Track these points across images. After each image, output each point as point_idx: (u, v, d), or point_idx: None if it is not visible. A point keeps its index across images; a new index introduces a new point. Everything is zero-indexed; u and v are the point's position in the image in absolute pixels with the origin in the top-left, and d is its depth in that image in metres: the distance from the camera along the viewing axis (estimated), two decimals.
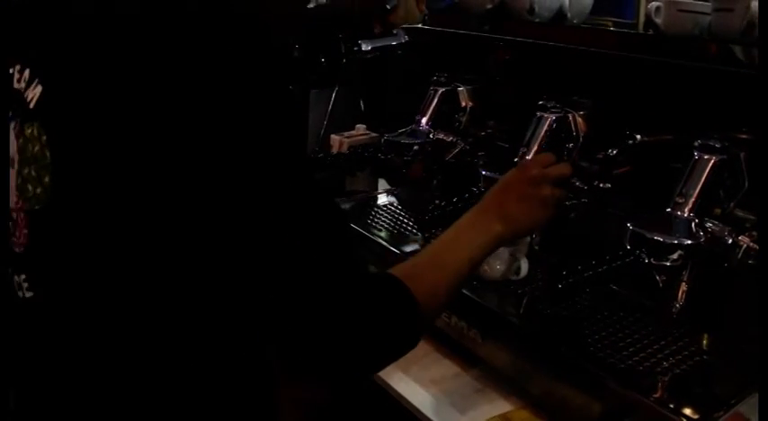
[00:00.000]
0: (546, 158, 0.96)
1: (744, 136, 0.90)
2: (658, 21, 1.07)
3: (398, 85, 1.57)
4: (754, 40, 0.91)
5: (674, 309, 0.97)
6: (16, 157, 0.68)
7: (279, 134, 0.63)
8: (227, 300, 0.64)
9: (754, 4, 0.92)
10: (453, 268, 0.78)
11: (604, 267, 0.87)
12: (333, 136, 1.64)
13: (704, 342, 0.96)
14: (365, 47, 1.42)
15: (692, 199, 0.88)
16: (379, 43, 1.45)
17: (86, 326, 0.65)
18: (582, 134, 1.10)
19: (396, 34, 1.48)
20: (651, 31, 1.09)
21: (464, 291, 1.08)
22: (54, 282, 0.67)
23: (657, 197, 0.92)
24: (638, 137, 0.99)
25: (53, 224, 0.66)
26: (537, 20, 1.27)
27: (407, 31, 1.47)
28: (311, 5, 1.74)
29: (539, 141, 1.08)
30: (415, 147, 1.28)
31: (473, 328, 1.05)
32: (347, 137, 1.64)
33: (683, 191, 0.88)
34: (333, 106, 1.65)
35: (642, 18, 1.25)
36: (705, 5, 1.03)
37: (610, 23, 1.33)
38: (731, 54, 0.95)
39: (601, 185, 0.99)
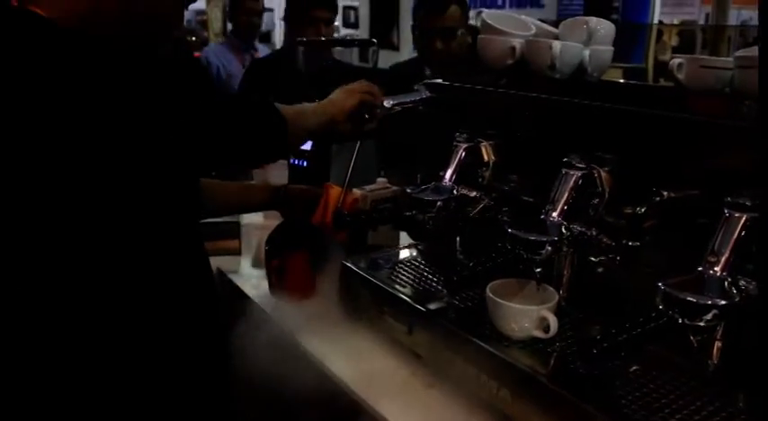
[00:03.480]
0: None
1: None
2: (680, 76, 1.08)
3: (421, 140, 1.58)
4: None
5: (709, 369, 0.95)
6: None
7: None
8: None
9: None
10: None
11: (638, 330, 0.86)
12: (355, 190, 1.65)
13: (741, 402, 0.94)
14: (387, 103, 1.43)
15: (725, 257, 0.87)
16: (402, 99, 1.46)
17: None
18: (607, 190, 1.09)
19: (417, 90, 1.50)
20: (662, 81, 1.10)
21: (493, 351, 1.07)
22: None
23: (686, 252, 0.91)
24: (665, 193, 0.99)
25: None
26: (557, 75, 1.28)
27: (429, 87, 1.49)
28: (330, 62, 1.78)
29: (565, 198, 1.08)
30: (439, 204, 1.28)
31: (503, 388, 1.04)
32: (369, 191, 1.64)
33: (715, 249, 0.87)
34: (355, 160, 1.66)
35: (651, 61, 1.27)
36: (728, 61, 1.03)
37: (620, 69, 1.34)
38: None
39: (630, 244, 0.98)
